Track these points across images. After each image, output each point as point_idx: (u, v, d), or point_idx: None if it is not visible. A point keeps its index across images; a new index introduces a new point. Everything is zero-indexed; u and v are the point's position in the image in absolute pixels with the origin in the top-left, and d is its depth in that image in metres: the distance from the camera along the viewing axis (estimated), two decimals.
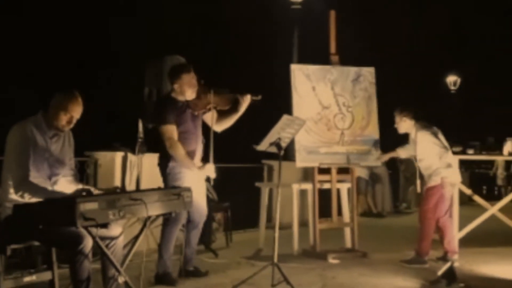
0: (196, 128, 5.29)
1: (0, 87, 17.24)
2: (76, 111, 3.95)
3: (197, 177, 5.21)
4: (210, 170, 5.17)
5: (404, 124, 6.24)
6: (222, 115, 5.40)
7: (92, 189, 3.98)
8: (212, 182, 5.37)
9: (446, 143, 6.13)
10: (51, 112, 3.91)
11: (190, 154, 5.15)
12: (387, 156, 6.86)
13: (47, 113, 3.92)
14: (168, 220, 5.06)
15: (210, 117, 5.31)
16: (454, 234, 6.22)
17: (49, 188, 3.84)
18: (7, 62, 17.38)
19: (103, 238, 3.74)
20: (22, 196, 3.68)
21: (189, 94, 5.22)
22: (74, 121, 3.97)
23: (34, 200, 3.65)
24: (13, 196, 3.71)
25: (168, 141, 5.06)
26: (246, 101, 5.33)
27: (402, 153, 6.61)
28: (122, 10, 19.33)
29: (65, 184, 4.01)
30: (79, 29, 18.71)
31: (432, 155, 6.03)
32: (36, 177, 3.76)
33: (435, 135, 6.07)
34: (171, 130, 5.08)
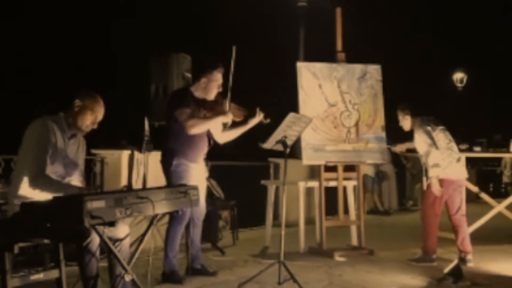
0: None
1: (1, 87, 17.31)
2: (101, 113, 4.00)
3: (198, 175, 5.21)
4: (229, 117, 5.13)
5: (407, 122, 6.19)
6: (229, 127, 5.33)
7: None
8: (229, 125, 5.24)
9: (446, 140, 6.01)
10: (75, 112, 3.92)
11: (195, 153, 5.14)
12: (399, 147, 6.79)
13: (69, 114, 3.93)
14: (172, 219, 5.05)
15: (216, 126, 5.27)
16: (467, 233, 6.11)
17: (63, 181, 3.85)
18: (7, 63, 17.43)
19: (110, 239, 3.75)
20: (35, 189, 3.69)
21: (211, 93, 5.17)
22: (97, 122, 4.00)
23: (44, 195, 3.66)
24: (22, 192, 3.72)
25: (187, 121, 4.97)
26: (258, 117, 5.25)
27: (409, 144, 6.52)
28: (122, 10, 19.36)
29: None
30: (80, 30, 18.76)
31: (425, 153, 5.99)
32: (51, 173, 3.77)
33: (428, 132, 5.93)
34: (188, 112, 5.00)
